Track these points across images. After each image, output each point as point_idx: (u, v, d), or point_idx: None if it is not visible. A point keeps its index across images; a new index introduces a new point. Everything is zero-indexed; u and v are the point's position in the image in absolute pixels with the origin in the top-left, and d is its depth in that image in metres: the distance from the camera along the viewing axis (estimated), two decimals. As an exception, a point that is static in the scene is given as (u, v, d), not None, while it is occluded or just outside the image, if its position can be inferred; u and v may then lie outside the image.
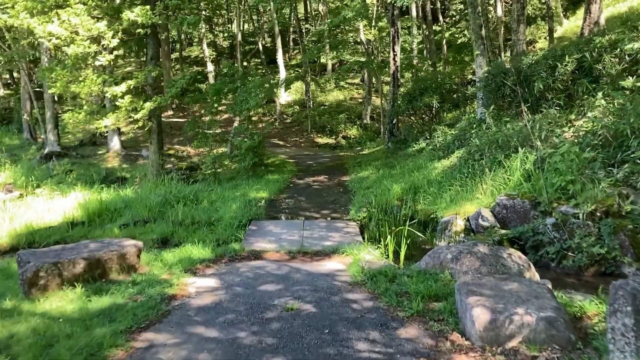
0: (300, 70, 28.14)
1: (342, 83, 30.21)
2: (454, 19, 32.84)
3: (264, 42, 37.97)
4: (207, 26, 34.89)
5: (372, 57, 20.27)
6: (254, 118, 25.89)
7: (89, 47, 11.39)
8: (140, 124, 12.26)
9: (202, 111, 26.74)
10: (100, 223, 10.22)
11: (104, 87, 12.19)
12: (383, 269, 6.05)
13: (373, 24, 20.04)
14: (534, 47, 25.32)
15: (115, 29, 11.55)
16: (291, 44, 37.42)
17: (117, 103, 12.26)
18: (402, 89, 16.81)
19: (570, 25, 28.77)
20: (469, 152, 10.89)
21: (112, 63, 13.26)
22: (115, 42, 11.73)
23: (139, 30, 11.82)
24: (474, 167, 9.99)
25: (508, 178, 8.85)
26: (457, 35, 31.96)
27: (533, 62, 11.37)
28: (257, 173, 13.72)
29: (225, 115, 24.28)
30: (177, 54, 38.63)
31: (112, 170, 18.61)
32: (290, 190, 12.47)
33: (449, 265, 5.84)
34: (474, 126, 11.47)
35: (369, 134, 23.02)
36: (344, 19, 16.41)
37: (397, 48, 15.86)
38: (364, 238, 8.40)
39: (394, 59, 15.86)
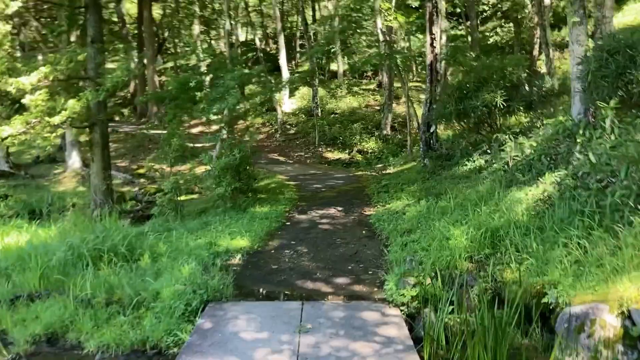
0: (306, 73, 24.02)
1: (355, 89, 25.98)
2: (483, 14, 28.73)
3: (268, 49, 34.06)
4: (202, 26, 31.08)
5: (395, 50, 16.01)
6: (251, 129, 21.70)
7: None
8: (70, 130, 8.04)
9: (192, 120, 22.78)
10: (-40, 297, 6.03)
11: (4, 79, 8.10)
12: None
13: (394, 3, 15.87)
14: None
15: (17, -13, 7.56)
16: (298, 48, 33.44)
17: (23, 101, 8.20)
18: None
19: (618, 22, 25.11)
20: (574, 175, 6.58)
21: (36, 46, 9.11)
22: (16, 4, 7.70)
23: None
24: (598, 203, 5.63)
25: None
26: (487, 34, 28.04)
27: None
28: (239, 204, 9.37)
29: (216, 126, 20.18)
30: (172, 62, 35.06)
31: (62, 194, 14.44)
32: (285, 234, 8.12)
33: None
34: (582, 132, 7.10)
35: (391, 147, 18.66)
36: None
37: (437, 30, 11.58)
38: (421, 354, 4.12)
39: (431, 45, 11.58)
